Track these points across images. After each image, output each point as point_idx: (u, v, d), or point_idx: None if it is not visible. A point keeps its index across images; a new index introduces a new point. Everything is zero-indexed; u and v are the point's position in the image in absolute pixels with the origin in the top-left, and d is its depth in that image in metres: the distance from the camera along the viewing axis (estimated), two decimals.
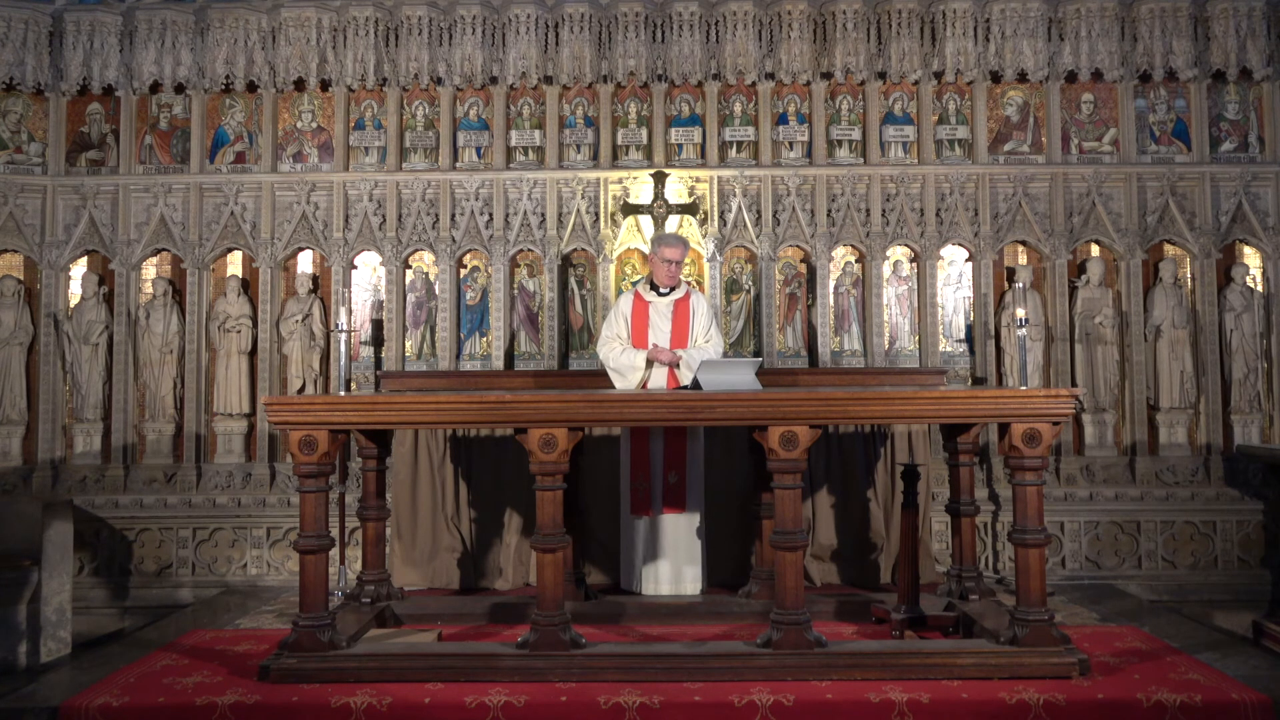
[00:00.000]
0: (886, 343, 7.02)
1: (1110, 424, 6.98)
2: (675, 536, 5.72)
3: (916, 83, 7.07)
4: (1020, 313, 5.01)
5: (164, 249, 7.13)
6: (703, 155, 7.12)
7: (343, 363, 5.50)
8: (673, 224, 6.88)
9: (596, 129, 7.15)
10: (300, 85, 7.14)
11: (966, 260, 7.08)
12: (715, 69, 7.02)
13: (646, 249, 6.75)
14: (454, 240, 7.04)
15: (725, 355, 6.13)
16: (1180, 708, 4.02)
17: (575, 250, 7.08)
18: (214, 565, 6.87)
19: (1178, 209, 6.95)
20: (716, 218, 6.99)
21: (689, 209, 6.94)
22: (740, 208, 6.98)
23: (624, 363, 5.61)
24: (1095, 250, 7.08)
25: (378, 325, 7.06)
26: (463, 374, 6.71)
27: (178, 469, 6.98)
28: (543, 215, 7.03)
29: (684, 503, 5.71)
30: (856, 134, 7.13)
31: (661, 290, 5.74)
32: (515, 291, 7.12)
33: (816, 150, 7.09)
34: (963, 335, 7.05)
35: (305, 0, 7.00)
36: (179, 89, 7.11)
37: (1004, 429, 4.41)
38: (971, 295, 7.04)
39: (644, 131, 7.15)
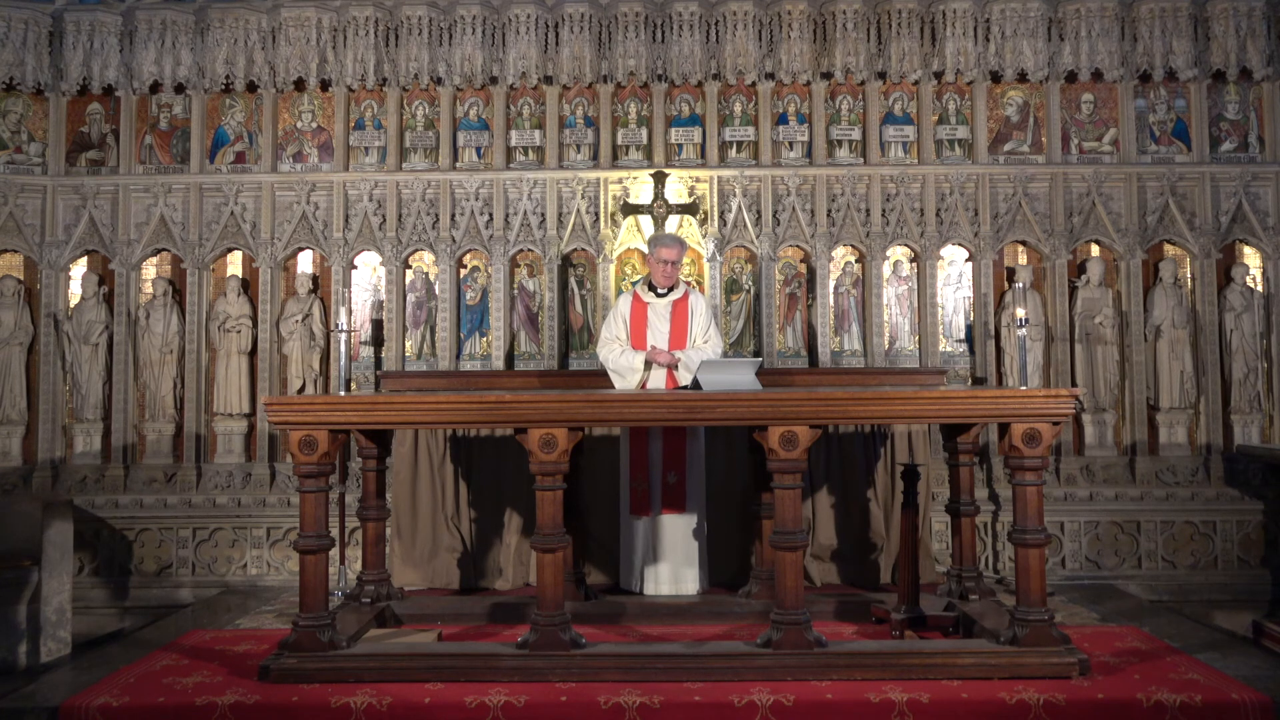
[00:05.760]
0: (886, 343, 7.02)
1: (1110, 424, 6.98)
2: (674, 537, 5.72)
3: (916, 83, 7.07)
4: (1020, 313, 5.01)
5: (164, 249, 7.13)
6: (703, 155, 7.12)
7: (343, 363, 5.49)
8: (673, 224, 6.88)
9: (596, 129, 7.15)
10: (300, 85, 7.14)
11: (966, 260, 7.08)
12: (715, 69, 7.03)
13: (646, 249, 6.75)
14: (454, 240, 7.04)
15: (725, 355, 6.13)
16: (1180, 708, 4.02)
17: (575, 250, 7.09)
18: (214, 565, 6.87)
19: (1178, 209, 6.96)
20: (716, 218, 6.99)
21: (689, 209, 6.94)
22: (740, 208, 6.98)
23: (623, 364, 5.61)
24: (1095, 250, 7.08)
25: (378, 325, 7.06)
26: (463, 374, 6.71)
27: (178, 469, 6.98)
28: (543, 215, 7.03)
29: (683, 503, 5.71)
30: (856, 134, 7.13)
31: (660, 291, 5.74)
32: (515, 291, 7.12)
33: (816, 150, 7.10)
34: (963, 335, 7.05)
35: (305, 0, 7.01)
36: (179, 89, 7.11)
37: (1004, 429, 4.40)
38: (971, 295, 7.04)
39: (644, 131, 7.15)
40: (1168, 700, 4.04)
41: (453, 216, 7.06)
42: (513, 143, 7.18)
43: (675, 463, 5.71)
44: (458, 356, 7.07)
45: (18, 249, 7.09)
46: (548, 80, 7.08)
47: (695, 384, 4.92)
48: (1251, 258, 7.07)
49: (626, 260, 7.11)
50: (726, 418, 4.52)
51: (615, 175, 7.06)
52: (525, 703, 4.05)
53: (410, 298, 7.13)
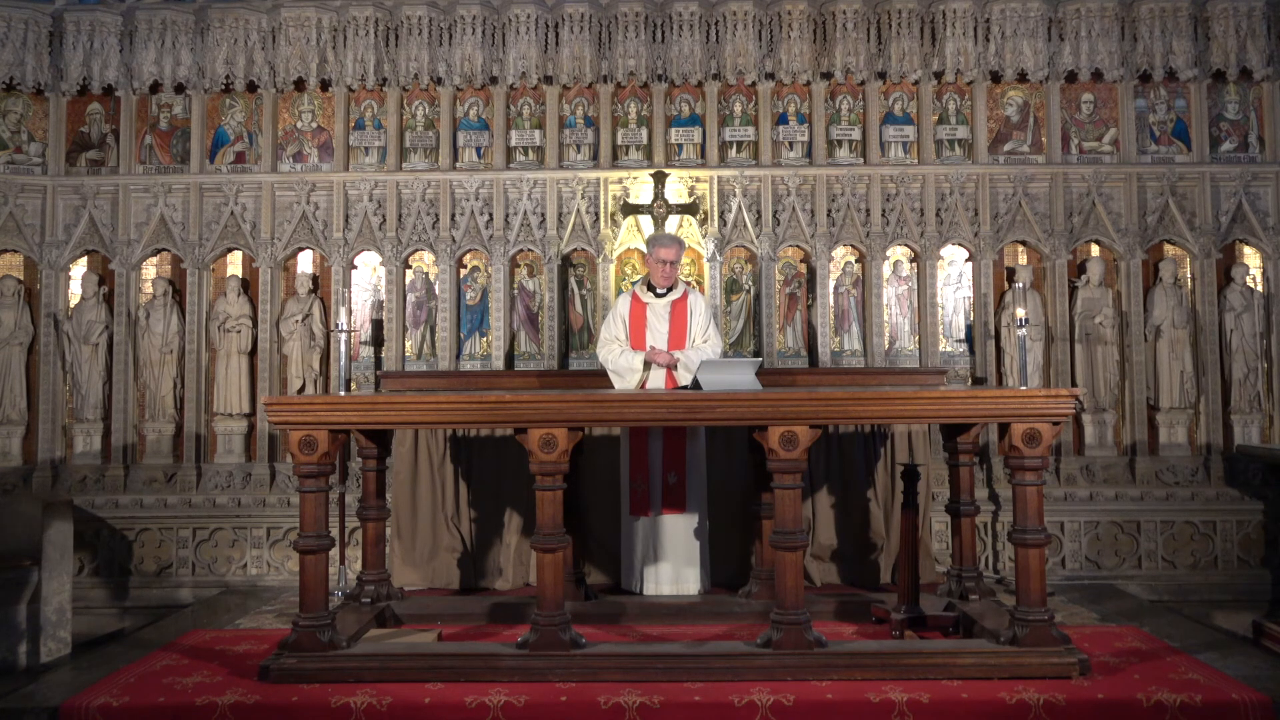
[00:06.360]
0: (886, 343, 7.02)
1: (1110, 424, 6.98)
2: (675, 537, 5.71)
3: (916, 83, 7.07)
4: (1020, 313, 5.01)
5: (164, 249, 7.13)
6: (703, 155, 7.12)
7: (343, 363, 5.50)
8: (673, 224, 6.88)
9: (596, 129, 7.15)
10: (300, 85, 7.14)
11: (966, 260, 7.08)
12: (715, 69, 7.02)
13: (645, 249, 6.75)
14: (454, 240, 7.04)
15: (725, 355, 6.13)
16: (1180, 708, 4.02)
17: (575, 250, 7.09)
18: (214, 565, 6.87)
19: (1178, 209, 6.95)
20: (716, 218, 6.99)
21: (689, 209, 6.93)
22: (740, 208, 6.98)
23: (622, 364, 5.61)
24: (1095, 250, 7.08)
25: (378, 325, 7.06)
26: (463, 374, 6.71)
27: (178, 469, 6.98)
28: (543, 215, 7.04)
29: (684, 503, 5.71)
30: (856, 134, 7.13)
31: (659, 291, 5.74)
32: (515, 291, 7.12)
33: (816, 150, 7.10)
34: (963, 335, 7.05)
35: (305, 0, 7.01)
36: (179, 89, 7.11)
37: (1004, 429, 4.41)
38: (971, 295, 7.04)
39: (644, 131, 7.15)
40: (1168, 700, 4.04)
41: (453, 216, 7.06)
42: (513, 143, 7.18)
43: (675, 463, 5.71)
44: (458, 356, 7.07)
45: (18, 249, 7.09)
46: (548, 80, 7.08)
47: (695, 384, 4.92)
48: (1251, 258, 7.07)
49: (626, 260, 7.11)
50: (726, 418, 4.52)
51: (615, 175, 7.06)
52: (525, 703, 4.05)
53: (410, 298, 7.13)
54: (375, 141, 7.18)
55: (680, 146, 7.15)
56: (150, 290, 7.10)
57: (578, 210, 7.01)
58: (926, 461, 6.29)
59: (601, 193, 7.04)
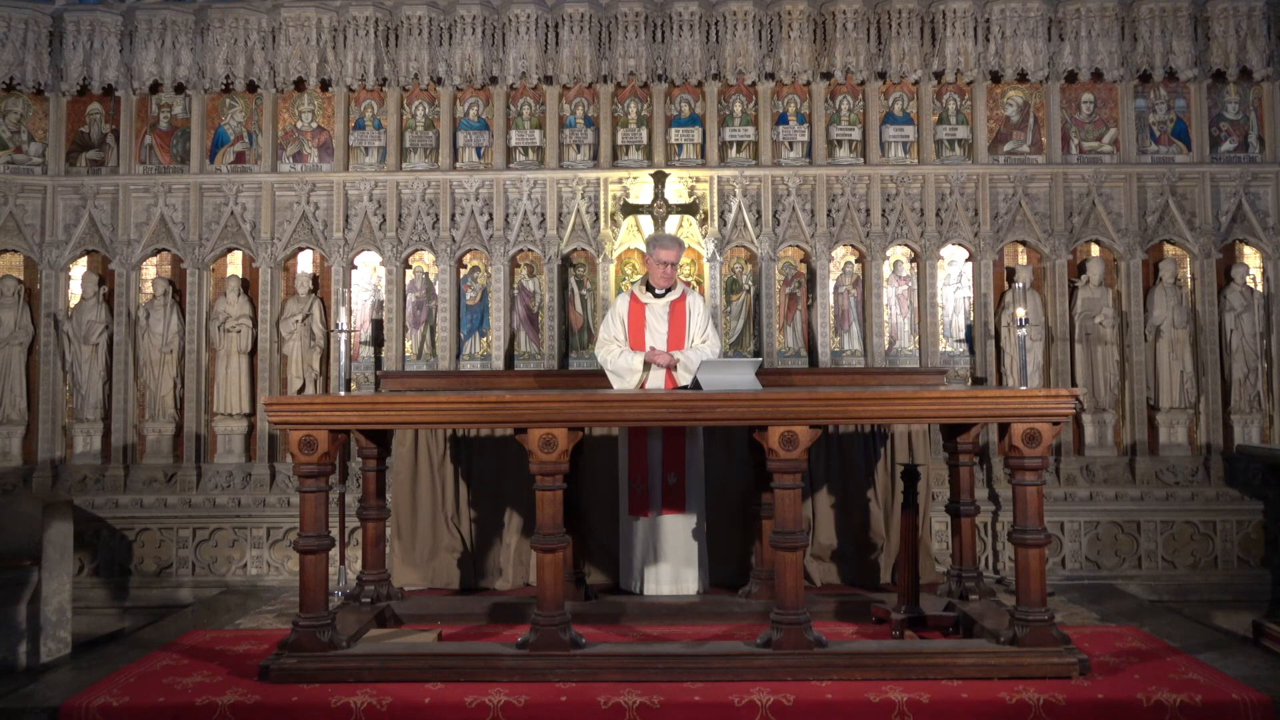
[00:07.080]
0: (886, 343, 7.02)
1: (1110, 424, 6.98)
2: (674, 538, 5.71)
3: (916, 83, 7.07)
4: (1020, 313, 5.01)
5: (164, 249, 7.13)
6: (703, 155, 7.12)
7: (343, 363, 5.50)
8: (673, 224, 6.88)
9: (596, 129, 7.15)
10: (300, 85, 7.14)
11: (966, 260, 7.08)
12: (715, 69, 7.03)
13: (645, 249, 6.75)
14: (454, 240, 7.04)
15: (724, 355, 6.12)
16: (1180, 708, 4.02)
17: (575, 250, 7.09)
18: (214, 565, 6.87)
19: (1178, 209, 6.96)
20: (716, 218, 6.99)
21: (689, 209, 6.94)
22: (740, 208, 6.98)
23: (621, 365, 5.61)
24: (1095, 250, 7.08)
25: (378, 325, 7.06)
26: (463, 374, 6.71)
27: (178, 469, 6.98)
28: (543, 215, 7.04)
29: (683, 504, 5.71)
30: (856, 134, 7.13)
31: (658, 291, 5.73)
32: (515, 291, 7.12)
33: (816, 150, 7.10)
34: (963, 335, 7.05)
35: (305, 0, 7.01)
36: (179, 89, 7.11)
37: (1004, 429, 4.41)
38: (971, 295, 7.04)
39: (644, 131, 7.15)
40: (1168, 700, 4.04)
41: (453, 216, 7.06)
42: (513, 143, 7.18)
43: (675, 463, 5.71)
44: (458, 356, 7.07)
45: (18, 249, 7.09)
46: (548, 80, 7.08)
47: (695, 384, 4.92)
48: (1251, 258, 7.07)
49: (626, 260, 7.11)
50: (726, 418, 4.52)
51: (615, 175, 7.06)
52: (525, 703, 4.05)
53: (410, 298, 7.13)
54: (375, 141, 7.18)
55: (680, 146, 7.15)
56: (150, 290, 7.11)
57: (578, 210, 7.01)
58: (926, 461, 6.29)
59: (601, 193, 7.04)
